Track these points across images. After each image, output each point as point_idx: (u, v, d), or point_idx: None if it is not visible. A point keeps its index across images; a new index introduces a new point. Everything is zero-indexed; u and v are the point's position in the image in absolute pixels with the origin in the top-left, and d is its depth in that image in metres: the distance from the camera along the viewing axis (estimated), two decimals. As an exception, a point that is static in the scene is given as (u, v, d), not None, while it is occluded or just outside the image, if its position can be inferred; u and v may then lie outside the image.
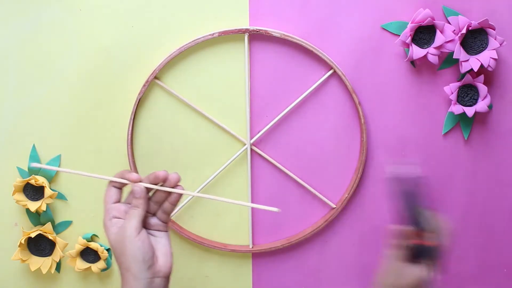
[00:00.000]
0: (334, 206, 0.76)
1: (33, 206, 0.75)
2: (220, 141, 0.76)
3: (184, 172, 0.76)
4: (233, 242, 0.79)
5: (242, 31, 0.72)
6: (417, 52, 0.71)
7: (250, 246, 0.78)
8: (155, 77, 0.74)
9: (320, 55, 0.72)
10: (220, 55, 0.74)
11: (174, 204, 0.61)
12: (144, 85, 0.73)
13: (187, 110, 0.75)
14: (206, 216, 0.78)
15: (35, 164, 0.61)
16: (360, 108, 0.73)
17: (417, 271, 0.62)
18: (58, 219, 0.78)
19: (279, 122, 0.75)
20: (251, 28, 0.72)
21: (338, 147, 0.76)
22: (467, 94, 0.73)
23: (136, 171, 0.75)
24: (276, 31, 0.72)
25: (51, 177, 0.76)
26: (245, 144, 0.75)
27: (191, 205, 0.77)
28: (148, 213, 0.61)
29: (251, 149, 0.75)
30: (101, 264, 0.77)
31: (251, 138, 0.75)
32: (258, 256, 0.79)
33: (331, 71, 0.73)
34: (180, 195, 0.60)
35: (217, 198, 0.61)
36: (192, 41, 0.72)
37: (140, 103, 0.74)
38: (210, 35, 0.72)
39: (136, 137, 0.76)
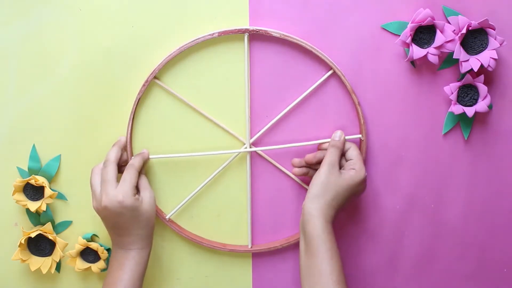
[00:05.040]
0: None
1: (33, 206, 0.75)
2: (220, 141, 0.76)
3: (183, 171, 0.76)
4: (233, 242, 0.79)
5: (241, 31, 0.72)
6: (417, 52, 0.71)
7: (249, 246, 0.77)
8: (155, 77, 0.74)
9: (319, 55, 0.72)
10: (220, 55, 0.74)
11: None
12: (143, 85, 0.73)
13: (187, 110, 0.75)
14: (206, 216, 0.78)
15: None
16: (360, 108, 0.73)
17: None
18: (58, 219, 0.78)
19: (279, 122, 0.75)
20: (251, 28, 0.72)
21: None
22: (467, 94, 0.73)
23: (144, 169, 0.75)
24: (275, 31, 0.72)
25: (51, 177, 0.76)
26: (244, 144, 0.75)
27: (190, 205, 0.77)
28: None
29: (251, 149, 0.75)
30: (101, 264, 0.77)
31: (250, 138, 0.75)
32: (258, 256, 0.79)
33: (330, 72, 0.73)
34: None
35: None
36: (192, 41, 0.72)
37: (139, 102, 0.74)
38: (209, 35, 0.72)
39: (135, 136, 0.76)
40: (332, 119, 0.75)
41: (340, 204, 0.70)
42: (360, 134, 0.74)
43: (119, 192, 0.68)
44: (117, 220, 0.69)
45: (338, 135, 0.73)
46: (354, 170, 0.70)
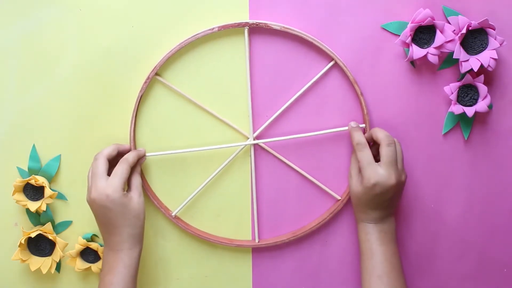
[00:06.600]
0: (339, 198, 0.76)
1: (33, 206, 0.75)
2: (223, 136, 0.76)
3: (187, 167, 0.76)
4: (236, 238, 0.79)
5: (242, 25, 0.72)
6: (417, 52, 0.71)
7: (256, 241, 0.77)
8: (156, 73, 0.74)
9: (320, 46, 0.72)
10: (221, 49, 0.74)
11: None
12: (145, 82, 0.73)
13: (189, 105, 0.75)
14: (208, 213, 0.78)
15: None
16: (363, 98, 0.73)
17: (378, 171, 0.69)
18: (58, 219, 0.78)
19: (281, 115, 0.75)
20: (251, 21, 0.72)
21: (341, 138, 0.76)
22: (467, 94, 0.73)
23: (140, 169, 0.75)
24: (276, 24, 0.72)
25: (51, 177, 0.76)
26: (248, 138, 0.75)
27: (191, 204, 0.77)
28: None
29: (255, 142, 0.75)
30: (101, 264, 0.77)
31: (253, 132, 0.75)
32: (258, 255, 0.79)
33: (332, 62, 0.73)
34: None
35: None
36: (192, 36, 0.72)
37: (141, 100, 0.74)
38: (210, 29, 0.72)
39: (138, 134, 0.76)
40: (334, 110, 0.75)
41: (373, 206, 0.70)
42: (363, 124, 0.74)
43: (108, 186, 0.68)
44: (105, 215, 0.69)
45: (355, 140, 0.72)
46: (361, 181, 0.71)
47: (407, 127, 0.75)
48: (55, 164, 0.76)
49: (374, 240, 0.71)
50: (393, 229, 0.72)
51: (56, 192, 0.75)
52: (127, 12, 0.74)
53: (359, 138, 0.71)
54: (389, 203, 0.71)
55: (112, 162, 0.72)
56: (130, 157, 0.72)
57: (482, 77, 0.72)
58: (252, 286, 0.80)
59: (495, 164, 0.76)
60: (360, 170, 0.71)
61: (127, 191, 0.71)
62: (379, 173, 0.69)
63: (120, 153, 0.73)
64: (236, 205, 0.78)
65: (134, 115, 0.74)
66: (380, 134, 0.71)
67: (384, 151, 0.69)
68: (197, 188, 0.76)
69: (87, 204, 0.72)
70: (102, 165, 0.70)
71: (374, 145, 0.73)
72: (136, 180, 0.72)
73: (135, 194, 0.71)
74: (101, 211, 0.69)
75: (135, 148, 0.75)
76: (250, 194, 0.77)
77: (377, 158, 0.71)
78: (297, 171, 0.76)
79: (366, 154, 0.70)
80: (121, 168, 0.70)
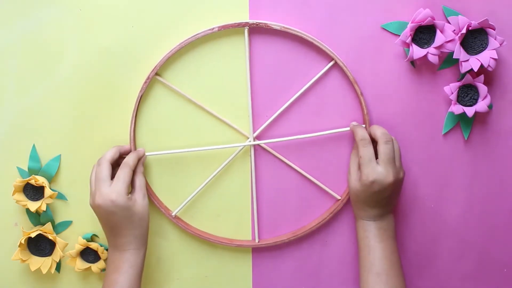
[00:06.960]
0: (339, 197, 0.76)
1: (33, 206, 0.75)
2: (223, 136, 0.76)
3: (187, 167, 0.76)
4: (236, 238, 0.79)
5: (242, 25, 0.72)
6: (417, 52, 0.71)
7: (256, 241, 0.77)
8: (156, 73, 0.74)
9: (320, 46, 0.72)
10: (221, 49, 0.74)
11: None
12: (145, 82, 0.73)
13: (189, 105, 0.75)
14: (207, 213, 0.78)
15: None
16: (362, 98, 0.73)
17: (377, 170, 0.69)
18: (58, 219, 0.78)
19: (281, 115, 0.75)
20: (251, 21, 0.72)
21: (341, 137, 0.76)
22: (467, 94, 0.73)
23: (143, 168, 0.75)
24: (276, 24, 0.72)
25: (51, 177, 0.76)
26: (248, 138, 0.75)
27: (191, 204, 0.77)
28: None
29: (255, 142, 0.75)
30: (101, 264, 0.77)
31: (253, 132, 0.75)
32: (258, 255, 0.79)
33: (332, 62, 0.73)
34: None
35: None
36: (192, 36, 0.72)
37: (141, 100, 0.74)
38: (210, 29, 0.72)
39: (138, 134, 0.76)
40: (334, 110, 0.75)
41: (371, 204, 0.71)
42: (363, 124, 0.74)
43: (112, 191, 0.68)
44: (111, 219, 0.69)
45: (359, 136, 0.71)
46: (359, 178, 0.71)
47: (407, 127, 0.75)
48: (55, 164, 0.76)
49: (373, 237, 0.71)
50: (392, 227, 0.72)
51: (56, 192, 0.75)
52: (127, 12, 0.74)
53: (363, 134, 0.72)
54: (387, 201, 0.71)
55: (114, 164, 0.72)
56: (130, 160, 0.72)
57: (482, 77, 0.72)
58: (252, 286, 0.80)
59: (495, 164, 0.76)
60: (359, 167, 0.71)
61: (131, 192, 0.71)
62: (377, 171, 0.69)
63: (122, 155, 0.74)
64: (236, 205, 0.78)
65: (134, 115, 0.74)
66: (377, 132, 0.71)
67: (382, 149, 0.70)
68: (197, 188, 0.76)
69: (87, 204, 0.72)
70: (106, 170, 0.70)
71: (372, 143, 0.73)
72: (139, 181, 0.73)
73: (139, 196, 0.71)
74: (106, 215, 0.69)
75: (135, 148, 0.75)
76: (250, 194, 0.77)
77: (375, 157, 0.71)
78: (297, 171, 0.76)
79: (368, 150, 0.70)
80: (123, 173, 0.70)
